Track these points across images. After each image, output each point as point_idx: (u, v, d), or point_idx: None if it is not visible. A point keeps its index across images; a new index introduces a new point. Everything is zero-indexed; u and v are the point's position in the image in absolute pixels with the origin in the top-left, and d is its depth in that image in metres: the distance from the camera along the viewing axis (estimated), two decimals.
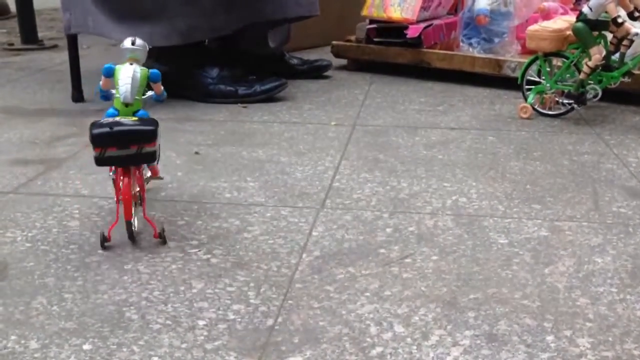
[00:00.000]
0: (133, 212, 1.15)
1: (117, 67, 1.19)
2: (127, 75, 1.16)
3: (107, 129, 1.11)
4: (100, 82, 1.20)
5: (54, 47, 3.24)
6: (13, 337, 0.91)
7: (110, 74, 1.18)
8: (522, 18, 2.36)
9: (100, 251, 1.14)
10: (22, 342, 0.90)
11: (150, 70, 1.19)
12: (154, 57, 2.21)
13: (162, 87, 1.23)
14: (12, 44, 3.27)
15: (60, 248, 1.16)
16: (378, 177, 1.48)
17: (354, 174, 1.50)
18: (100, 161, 1.12)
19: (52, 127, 1.88)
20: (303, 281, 1.05)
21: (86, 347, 0.89)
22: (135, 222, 1.19)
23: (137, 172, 1.18)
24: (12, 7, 3.73)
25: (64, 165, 1.56)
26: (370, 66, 2.55)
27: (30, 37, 3.27)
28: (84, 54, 2.27)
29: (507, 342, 0.89)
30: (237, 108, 2.07)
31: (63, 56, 2.61)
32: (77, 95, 2.16)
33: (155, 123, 1.14)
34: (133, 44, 1.19)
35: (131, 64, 1.18)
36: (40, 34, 3.39)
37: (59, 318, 0.95)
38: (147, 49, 1.21)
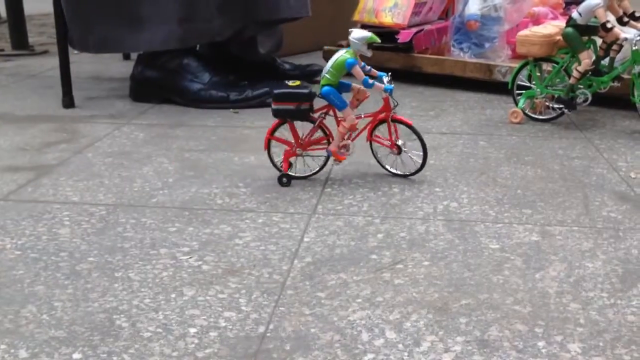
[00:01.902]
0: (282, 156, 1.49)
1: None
2: (331, 59, 1.44)
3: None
4: None
5: (45, 52, 3.24)
6: (2, 347, 0.90)
7: None
8: (512, 23, 2.37)
9: (90, 259, 1.14)
10: (12, 351, 0.89)
11: (346, 60, 1.40)
12: (143, 63, 2.22)
13: (363, 75, 1.42)
14: (2, 50, 3.26)
15: (50, 256, 1.15)
16: (369, 182, 1.48)
17: (345, 179, 1.50)
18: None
19: (43, 134, 1.87)
20: (295, 287, 1.05)
21: (76, 356, 0.88)
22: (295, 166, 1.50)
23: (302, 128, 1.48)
24: (2, 12, 3.73)
25: (55, 172, 1.56)
26: None
27: (20, 42, 3.26)
28: (75, 59, 2.26)
29: (499, 348, 0.89)
30: (229, 113, 2.07)
31: (54, 62, 2.60)
32: (68, 101, 2.15)
33: (286, 93, 1.43)
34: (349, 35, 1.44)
35: (344, 51, 1.43)
36: (30, 40, 3.39)
37: (49, 326, 0.95)
38: (364, 41, 1.40)
